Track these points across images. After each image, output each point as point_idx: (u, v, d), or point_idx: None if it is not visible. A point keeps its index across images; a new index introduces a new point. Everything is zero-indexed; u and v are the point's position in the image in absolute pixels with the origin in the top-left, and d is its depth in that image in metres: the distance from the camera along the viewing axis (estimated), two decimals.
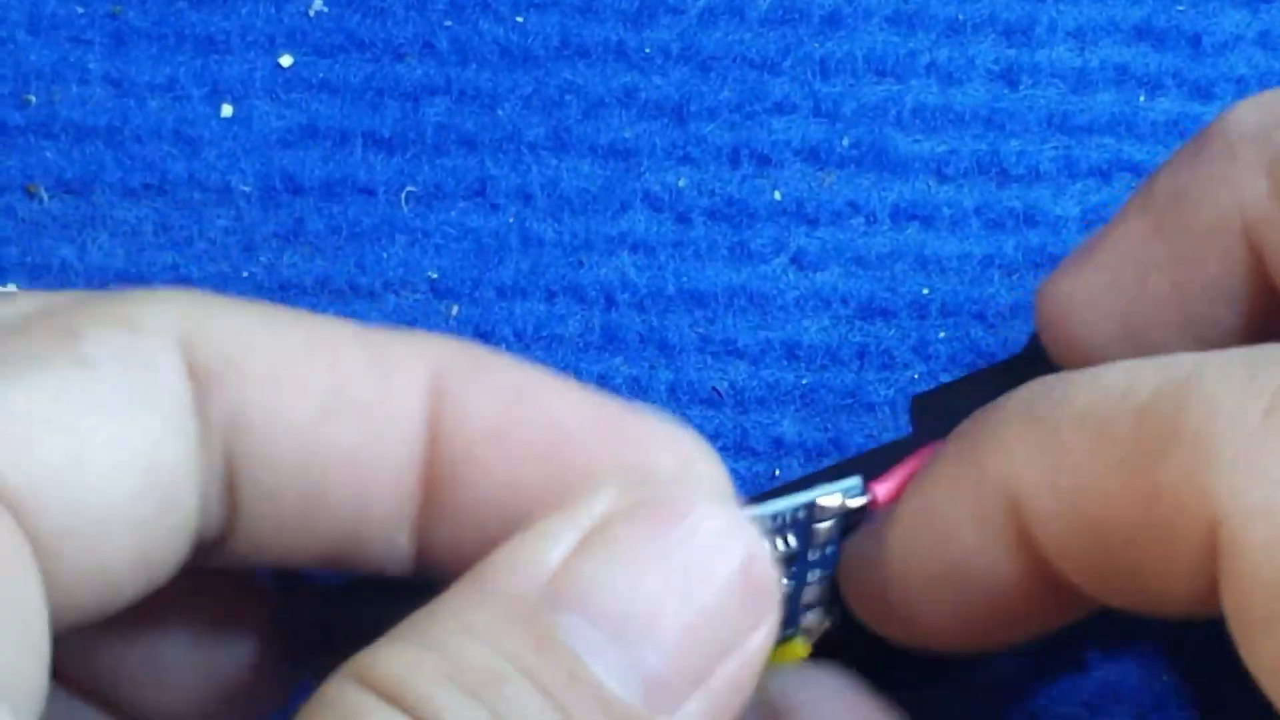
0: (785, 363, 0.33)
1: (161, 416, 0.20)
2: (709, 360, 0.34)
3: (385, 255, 0.34)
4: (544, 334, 0.34)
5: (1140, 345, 0.25)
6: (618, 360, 0.34)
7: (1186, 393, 0.21)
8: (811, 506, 0.26)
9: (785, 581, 0.26)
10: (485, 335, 0.34)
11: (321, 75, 0.35)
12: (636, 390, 0.34)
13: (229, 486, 0.22)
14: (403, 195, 0.34)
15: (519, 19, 0.35)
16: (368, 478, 0.22)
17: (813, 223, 0.34)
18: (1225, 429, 0.20)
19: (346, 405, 0.22)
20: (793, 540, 0.26)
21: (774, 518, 0.25)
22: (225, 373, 0.21)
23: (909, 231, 0.34)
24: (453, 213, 0.34)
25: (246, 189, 0.34)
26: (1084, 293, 0.27)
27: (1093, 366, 0.23)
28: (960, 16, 0.35)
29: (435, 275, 0.34)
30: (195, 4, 0.35)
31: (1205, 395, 0.21)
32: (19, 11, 0.35)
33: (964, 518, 0.24)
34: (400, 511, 0.23)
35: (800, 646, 0.27)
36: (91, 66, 0.35)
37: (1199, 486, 0.20)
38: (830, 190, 0.34)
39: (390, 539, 0.23)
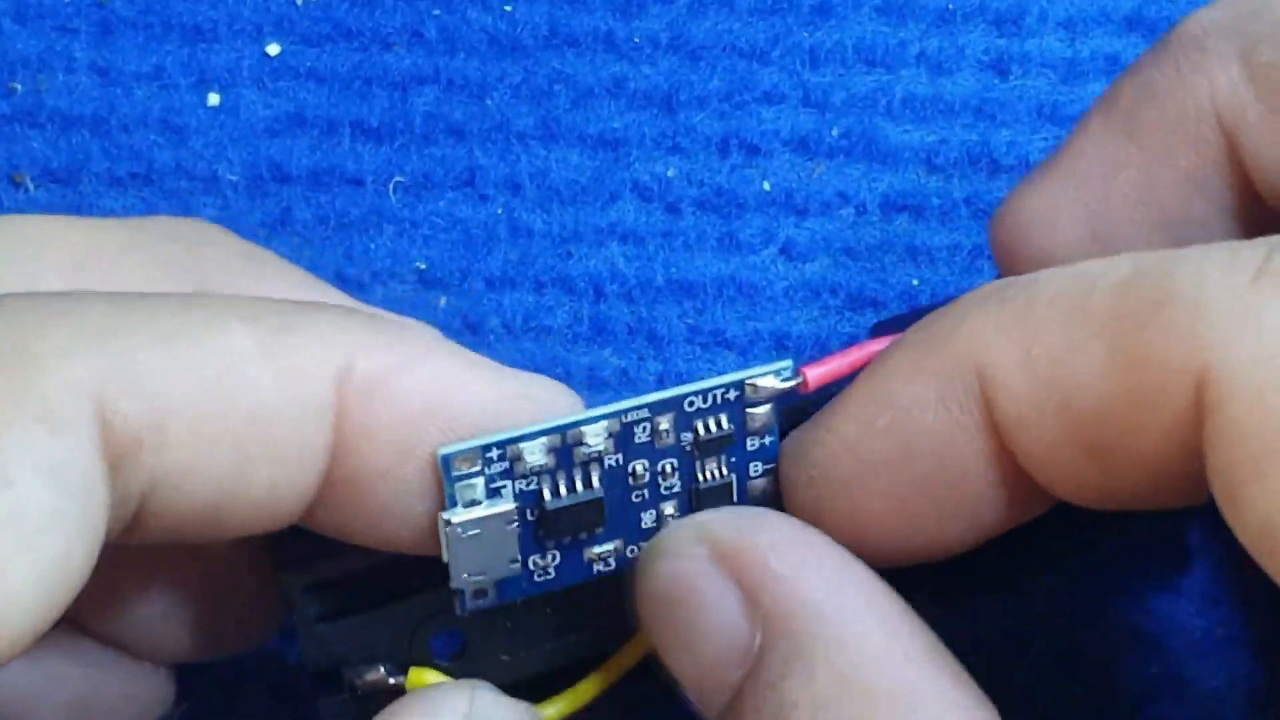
0: (774, 353, 0.33)
1: (76, 520, 0.21)
2: (698, 351, 0.33)
3: (373, 245, 0.34)
4: (533, 325, 0.33)
5: (1110, 251, 0.24)
6: (606, 351, 0.34)
7: (1173, 262, 0.21)
8: (741, 386, 0.26)
9: (724, 471, 0.27)
10: (473, 326, 0.33)
11: (309, 64, 0.35)
12: (625, 381, 0.33)
13: (137, 514, 0.23)
14: (391, 185, 0.34)
15: (507, 8, 0.35)
16: (275, 497, 0.23)
17: (802, 213, 0.34)
18: (1214, 290, 0.20)
19: (259, 437, 0.23)
20: (725, 421, 0.26)
21: (704, 396, 0.26)
22: (142, 442, 0.22)
23: (899, 222, 0.34)
24: (441, 203, 0.34)
25: (234, 178, 0.34)
26: (1047, 206, 0.26)
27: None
28: (950, 6, 0.35)
29: (423, 266, 0.34)
30: None
31: (1192, 264, 0.21)
32: (4, 1, 0.35)
33: (927, 398, 0.23)
34: (303, 497, 0.24)
35: None
36: (78, 55, 0.35)
37: (1188, 343, 0.20)
38: (819, 180, 0.34)
39: (289, 517, 0.24)
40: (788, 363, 0.26)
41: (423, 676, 0.27)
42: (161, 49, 0.35)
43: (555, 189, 0.34)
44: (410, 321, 0.25)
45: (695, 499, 0.27)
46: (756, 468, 0.27)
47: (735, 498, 0.27)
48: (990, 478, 0.24)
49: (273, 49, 0.35)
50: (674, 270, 0.34)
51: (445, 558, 0.25)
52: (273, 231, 0.34)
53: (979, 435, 0.23)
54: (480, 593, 0.26)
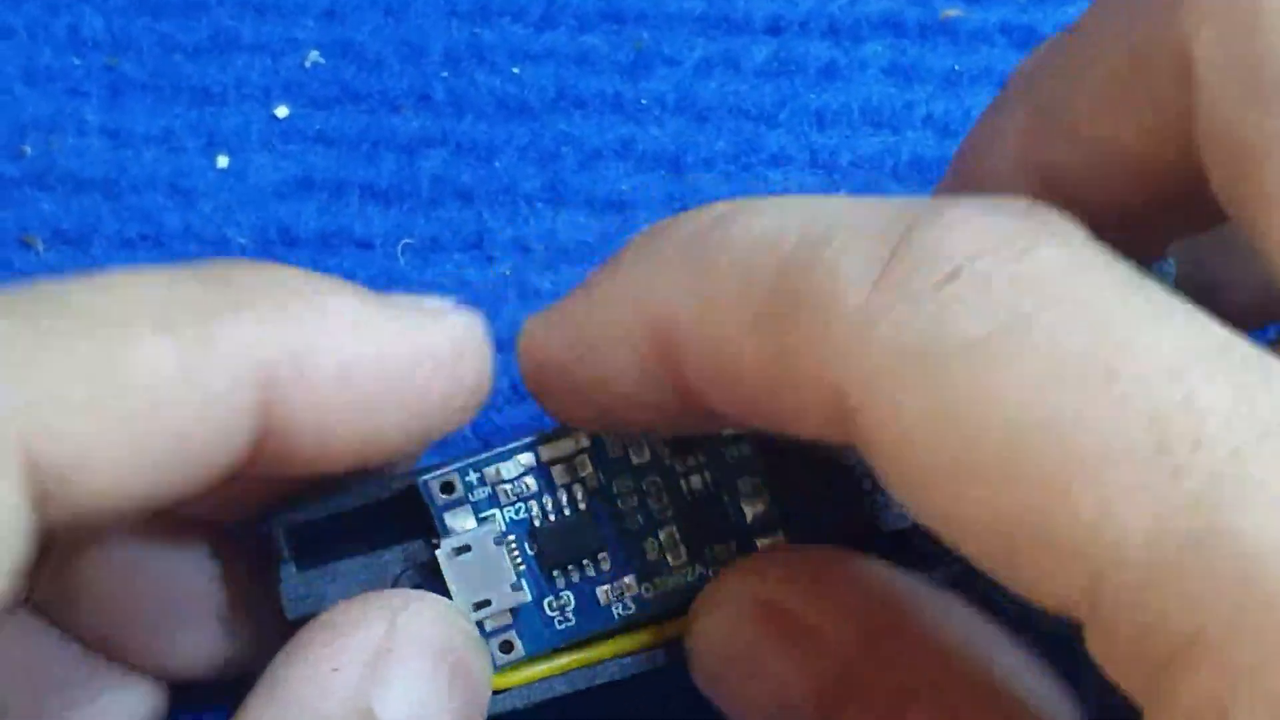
0: None
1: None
2: None
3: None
4: None
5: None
6: None
7: (816, 252, 0.21)
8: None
9: (709, 481, 0.27)
10: None
11: (317, 127, 0.35)
12: None
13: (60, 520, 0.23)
14: (399, 247, 0.34)
15: (515, 70, 0.35)
16: (195, 487, 0.24)
17: None
18: (841, 294, 0.20)
19: (182, 450, 0.23)
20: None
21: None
22: (68, 477, 0.22)
23: None
24: (449, 265, 0.34)
25: (242, 241, 0.34)
26: (983, 135, 0.27)
27: (757, 199, 0.23)
28: (957, 68, 0.35)
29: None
30: (191, 55, 0.35)
31: (829, 258, 0.21)
32: (14, 63, 0.35)
33: (614, 338, 0.24)
34: (223, 477, 0.24)
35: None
36: (88, 118, 0.35)
37: (817, 355, 0.21)
38: None
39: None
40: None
41: None
42: (171, 111, 0.35)
43: (563, 250, 0.34)
44: (325, 287, 0.25)
45: (690, 517, 0.27)
46: (747, 484, 0.28)
47: (728, 506, 0.27)
48: (680, 404, 0.24)
49: (281, 111, 0.35)
50: None
51: (451, 594, 0.27)
52: None
53: (664, 374, 0.24)
54: (507, 646, 0.27)
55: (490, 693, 0.26)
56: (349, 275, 0.34)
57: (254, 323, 0.23)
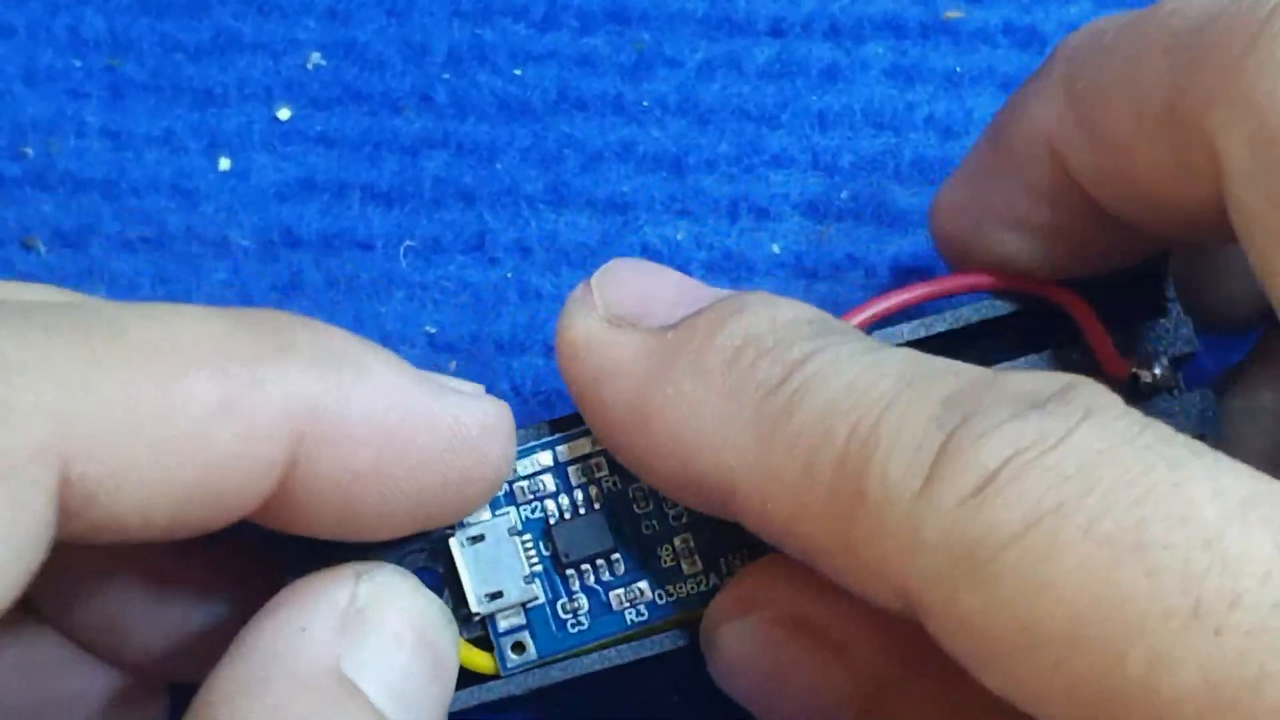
0: None
1: (11, 568, 0.22)
2: None
3: (383, 310, 0.34)
4: (542, 389, 0.33)
5: (986, 243, 0.28)
6: None
7: (867, 452, 0.23)
8: None
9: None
10: None
11: (319, 128, 0.35)
12: None
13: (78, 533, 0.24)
14: (401, 249, 0.34)
15: (517, 72, 0.35)
16: (217, 520, 0.24)
17: (812, 276, 0.34)
18: (893, 501, 0.22)
19: (211, 484, 0.24)
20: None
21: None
22: (97, 497, 0.23)
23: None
24: (451, 266, 0.34)
25: (244, 242, 0.34)
26: (951, 200, 0.30)
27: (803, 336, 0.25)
28: (958, 69, 0.35)
29: (433, 330, 0.34)
30: (192, 57, 0.35)
31: (879, 461, 0.22)
32: (15, 64, 0.35)
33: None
34: (244, 513, 0.25)
35: None
36: (89, 119, 0.35)
37: (878, 553, 0.22)
38: (829, 243, 0.34)
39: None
40: None
41: None
42: (172, 113, 0.35)
43: (565, 252, 0.34)
44: (369, 353, 0.25)
45: (704, 525, 0.28)
46: None
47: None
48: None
49: (283, 113, 0.35)
50: None
51: (463, 582, 0.27)
52: (283, 295, 0.34)
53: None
54: (519, 647, 0.27)
55: (458, 664, 0.26)
56: (351, 276, 0.34)
57: (298, 372, 0.24)
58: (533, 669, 0.27)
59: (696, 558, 0.27)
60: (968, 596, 0.21)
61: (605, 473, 0.28)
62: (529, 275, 0.34)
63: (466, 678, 0.27)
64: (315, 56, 0.35)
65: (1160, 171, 0.25)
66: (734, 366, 0.24)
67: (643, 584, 0.27)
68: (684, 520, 0.27)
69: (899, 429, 0.22)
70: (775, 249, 0.34)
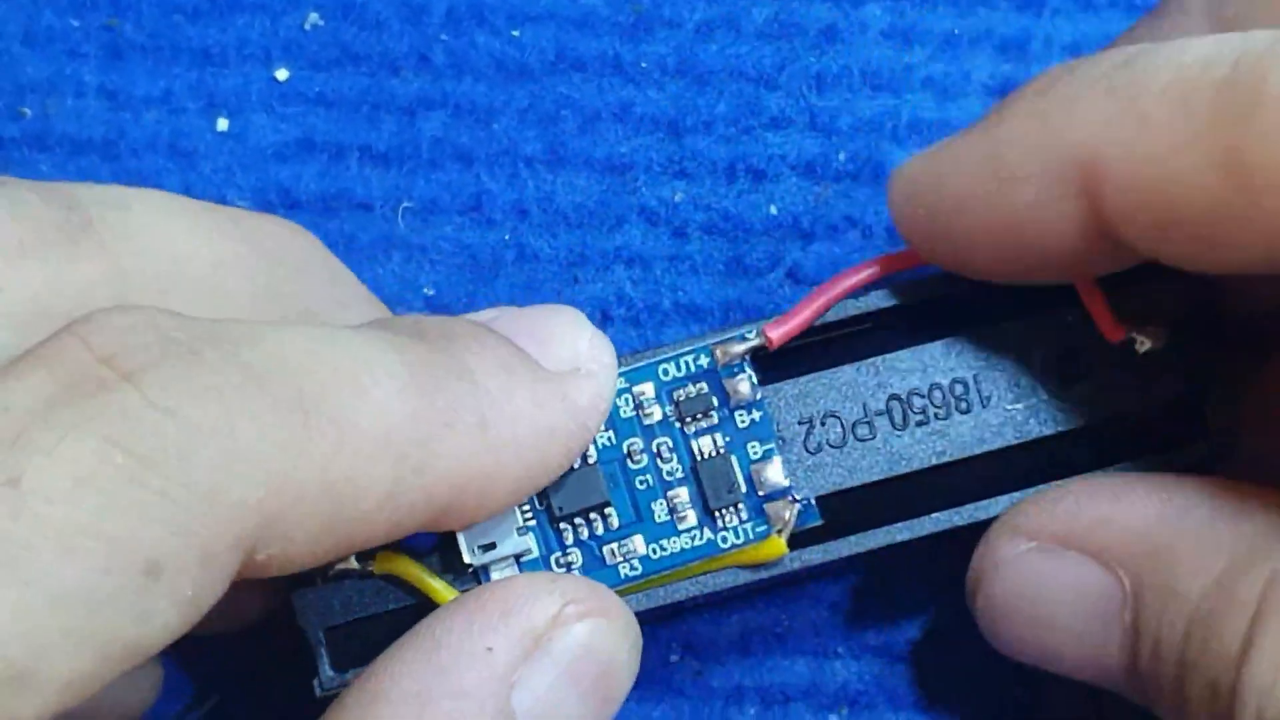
0: None
1: (174, 630, 0.22)
2: None
3: (381, 271, 0.34)
4: None
5: (953, 237, 0.27)
6: None
7: (1263, 64, 0.22)
8: (710, 350, 0.28)
9: (721, 447, 0.28)
10: None
11: (317, 89, 0.35)
12: None
13: None
14: (399, 210, 0.34)
15: (515, 33, 0.35)
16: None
17: (809, 237, 0.34)
18: None
19: (350, 546, 0.25)
20: (706, 389, 0.28)
21: (676, 363, 0.28)
22: (270, 567, 0.23)
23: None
24: (448, 228, 0.34)
25: (242, 203, 0.34)
26: (935, 170, 0.28)
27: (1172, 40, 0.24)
28: (956, 31, 0.35)
29: (431, 292, 0.34)
30: (191, 17, 0.35)
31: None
32: (14, 24, 0.35)
33: (1033, 172, 0.25)
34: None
35: (777, 543, 0.28)
36: (87, 79, 0.35)
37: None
38: (826, 204, 0.34)
39: None
40: (751, 327, 0.28)
41: (393, 561, 0.28)
42: (170, 73, 0.35)
43: (562, 213, 0.34)
44: (513, 358, 0.26)
45: (699, 478, 0.27)
46: (755, 449, 0.28)
47: (739, 472, 0.28)
48: (1084, 242, 0.26)
49: (281, 74, 0.35)
50: (681, 294, 0.34)
51: (457, 534, 0.27)
52: None
53: (1077, 210, 0.25)
54: None
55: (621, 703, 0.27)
56: (349, 237, 0.34)
57: (459, 448, 0.24)
58: None
59: (690, 512, 0.28)
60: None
61: (601, 429, 0.28)
62: (526, 236, 0.34)
63: None
64: (313, 17, 0.35)
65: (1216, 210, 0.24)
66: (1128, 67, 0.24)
67: (637, 538, 0.27)
68: (679, 475, 0.28)
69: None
70: (773, 210, 0.34)
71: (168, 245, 0.26)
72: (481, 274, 0.34)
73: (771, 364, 0.28)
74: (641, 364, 0.28)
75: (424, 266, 0.34)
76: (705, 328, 0.34)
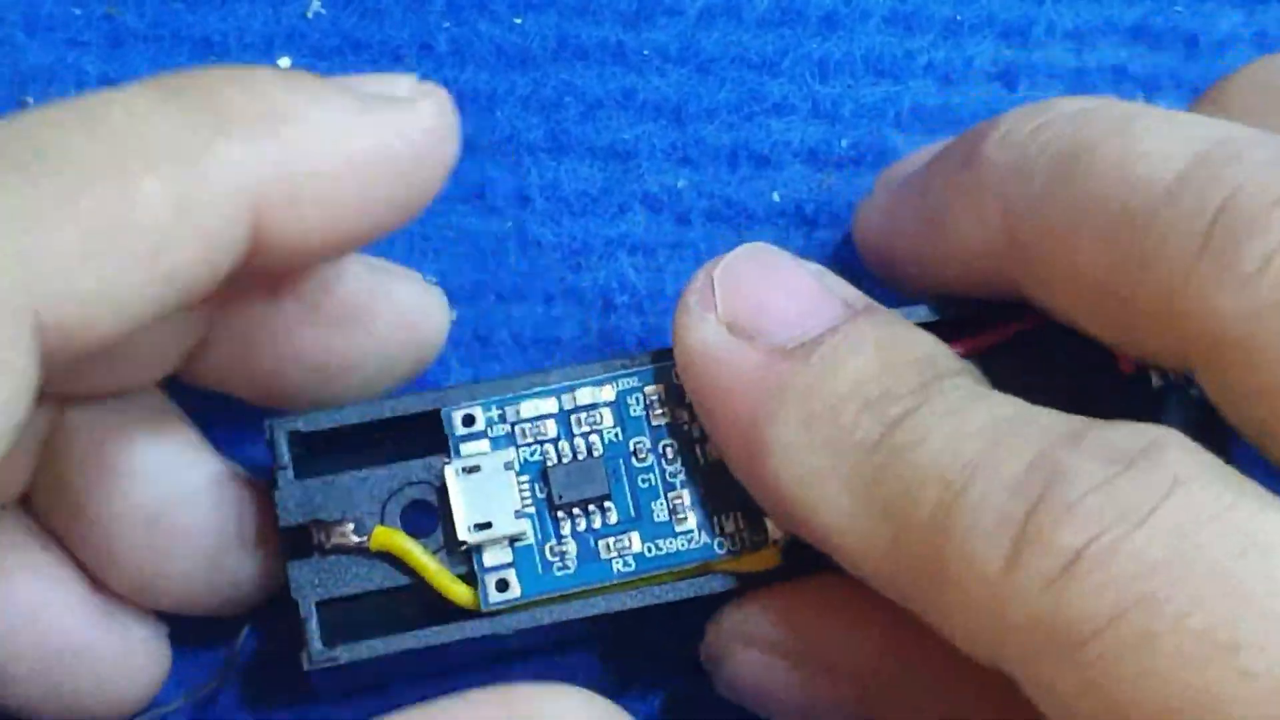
0: None
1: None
2: None
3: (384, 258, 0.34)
4: (542, 336, 0.34)
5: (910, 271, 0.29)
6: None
7: (953, 520, 0.23)
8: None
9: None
10: (483, 339, 0.34)
11: None
12: None
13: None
14: None
15: (517, 20, 0.35)
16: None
17: (811, 224, 0.34)
18: (976, 577, 0.22)
19: (178, 292, 0.23)
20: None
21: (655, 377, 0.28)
22: (72, 336, 0.22)
23: None
24: (451, 216, 0.34)
25: None
26: (873, 227, 0.31)
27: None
28: (958, 17, 0.35)
29: (434, 279, 0.34)
30: (191, 5, 0.35)
31: (964, 530, 0.23)
32: (15, 12, 0.35)
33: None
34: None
35: (771, 553, 0.28)
36: (88, 68, 0.35)
37: (967, 625, 0.23)
38: (829, 191, 0.34)
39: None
40: None
41: (389, 537, 0.28)
42: (172, 62, 0.35)
43: (565, 201, 0.34)
44: (303, 99, 0.25)
45: (702, 482, 0.28)
46: None
47: (742, 489, 0.27)
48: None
49: (283, 62, 0.35)
50: (684, 281, 0.34)
51: (453, 510, 0.27)
52: None
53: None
54: (503, 584, 0.27)
55: None
56: None
57: (242, 151, 0.24)
58: (515, 609, 0.27)
59: (689, 514, 0.27)
60: (1061, 678, 0.21)
61: (609, 423, 0.28)
62: (529, 224, 0.34)
63: (448, 612, 0.27)
64: (315, 5, 0.35)
65: (1114, 331, 0.25)
66: (838, 419, 0.25)
67: (633, 535, 0.27)
68: (681, 478, 0.28)
69: (980, 502, 0.22)
70: (775, 197, 0.34)
71: None
72: (484, 261, 0.34)
73: None
74: (657, 365, 0.28)
75: (426, 254, 0.34)
76: None
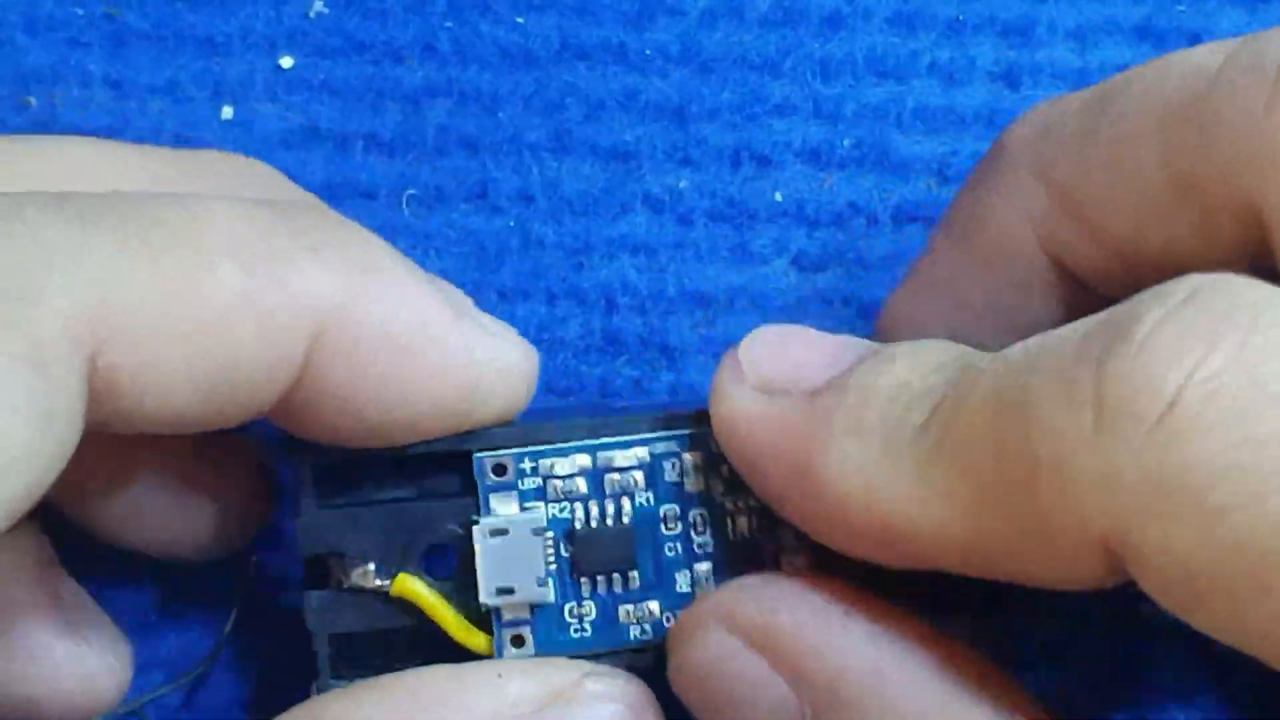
0: None
1: (48, 454, 0.22)
2: (710, 361, 0.34)
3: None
4: (545, 336, 0.34)
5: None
6: (619, 362, 0.34)
7: (1023, 416, 0.22)
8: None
9: (751, 529, 0.27)
10: None
11: (322, 77, 0.35)
12: (638, 392, 0.34)
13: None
14: (404, 198, 0.34)
15: (519, 20, 0.35)
16: (235, 415, 0.25)
17: (814, 224, 0.34)
18: (1071, 454, 0.21)
19: (231, 377, 0.24)
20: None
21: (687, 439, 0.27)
22: (123, 386, 0.23)
23: (910, 233, 0.34)
24: (454, 215, 0.34)
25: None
26: (913, 311, 0.30)
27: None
28: (960, 17, 0.35)
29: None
30: (194, 5, 0.35)
31: (1042, 419, 0.22)
32: (17, 13, 0.35)
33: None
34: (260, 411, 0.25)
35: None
36: (91, 68, 0.35)
37: (1073, 515, 0.21)
38: (831, 191, 0.34)
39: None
40: None
41: (410, 586, 0.27)
42: (175, 62, 0.35)
43: (567, 201, 0.34)
44: (399, 265, 0.26)
45: (728, 557, 0.27)
46: (789, 535, 0.27)
47: (766, 558, 0.27)
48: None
49: (286, 62, 0.35)
50: (686, 281, 0.34)
51: (477, 571, 0.27)
52: None
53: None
54: (518, 640, 0.27)
55: None
56: None
57: (320, 273, 0.24)
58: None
59: (712, 587, 0.27)
60: (1183, 535, 0.20)
61: (641, 487, 0.27)
62: (532, 223, 0.34)
63: (461, 655, 0.27)
64: (318, 5, 0.35)
65: (1176, 245, 0.24)
66: (888, 417, 0.24)
67: (653, 604, 0.27)
68: (708, 549, 0.27)
69: (1045, 384, 0.21)
70: (777, 197, 0.34)
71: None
72: (487, 261, 0.34)
73: None
74: (695, 431, 0.27)
75: (429, 254, 0.34)
76: (712, 315, 0.34)
